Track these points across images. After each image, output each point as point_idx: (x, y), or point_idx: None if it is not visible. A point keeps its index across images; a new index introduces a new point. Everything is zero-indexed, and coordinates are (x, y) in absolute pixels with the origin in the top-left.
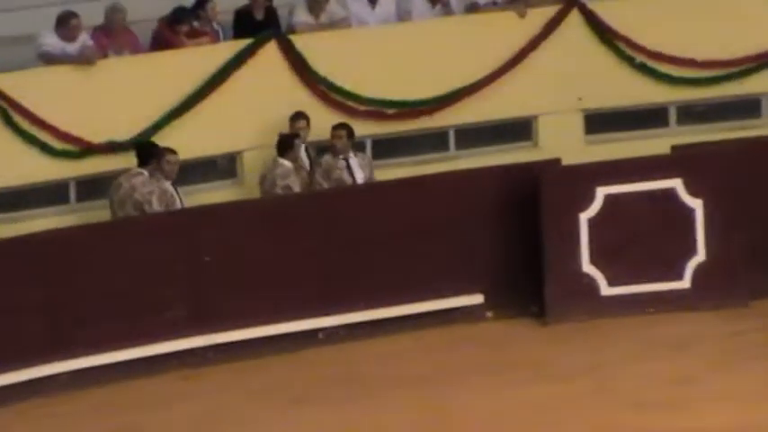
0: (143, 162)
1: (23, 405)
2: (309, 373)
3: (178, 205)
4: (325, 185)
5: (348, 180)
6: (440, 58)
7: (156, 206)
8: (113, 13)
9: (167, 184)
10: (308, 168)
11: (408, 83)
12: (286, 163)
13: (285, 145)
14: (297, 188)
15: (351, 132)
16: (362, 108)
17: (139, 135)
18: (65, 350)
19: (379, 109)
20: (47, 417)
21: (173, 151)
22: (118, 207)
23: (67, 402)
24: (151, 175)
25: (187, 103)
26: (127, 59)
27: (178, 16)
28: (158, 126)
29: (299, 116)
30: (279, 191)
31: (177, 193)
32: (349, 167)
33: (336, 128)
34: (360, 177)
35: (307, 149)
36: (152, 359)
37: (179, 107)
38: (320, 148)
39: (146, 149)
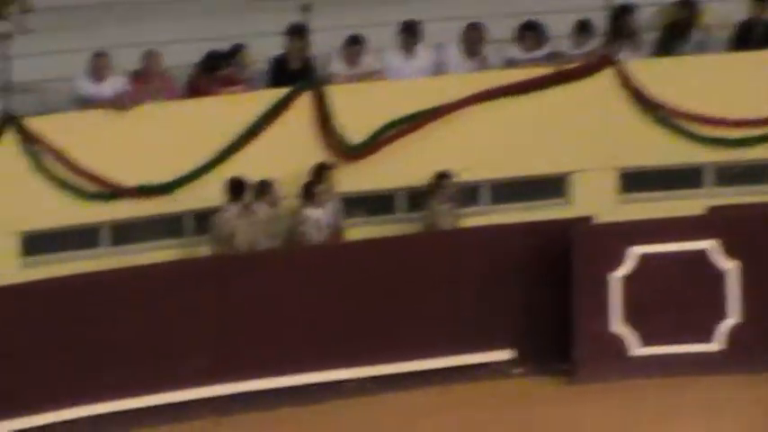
0: (232, 198)
1: None
2: (335, 424)
3: (275, 236)
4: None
5: (446, 226)
6: (472, 110)
7: (242, 240)
8: (149, 59)
9: (264, 216)
10: (335, 220)
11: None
12: (307, 210)
13: (308, 193)
14: (314, 234)
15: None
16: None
17: (170, 184)
18: (90, 394)
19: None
20: None
21: (270, 182)
22: (213, 243)
23: None
24: (243, 209)
25: (226, 153)
26: (162, 105)
27: (212, 62)
28: (196, 175)
29: (322, 167)
30: (297, 237)
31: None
32: (454, 212)
33: (444, 176)
34: (448, 224)
35: (333, 203)
36: (175, 406)
37: (218, 157)
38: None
39: (235, 186)
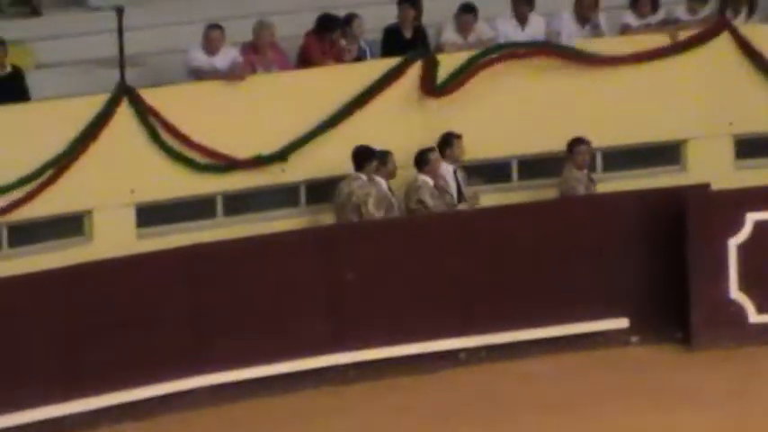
0: (359, 167)
1: (166, 417)
2: (450, 393)
3: (395, 207)
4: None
5: (581, 192)
6: (586, 76)
7: (372, 208)
8: (261, 30)
9: (384, 187)
10: (454, 190)
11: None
12: (422, 177)
13: (421, 161)
14: (431, 202)
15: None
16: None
17: (283, 150)
18: (207, 364)
19: None
20: (187, 430)
21: (389, 152)
22: (339, 211)
23: (209, 415)
24: (369, 178)
25: (336, 120)
26: (274, 76)
27: (325, 25)
28: (302, 142)
29: (449, 136)
30: (413, 205)
31: (392, 191)
32: (589, 180)
33: (579, 143)
34: (582, 191)
35: (455, 171)
36: (293, 375)
37: (329, 123)
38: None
39: (362, 154)
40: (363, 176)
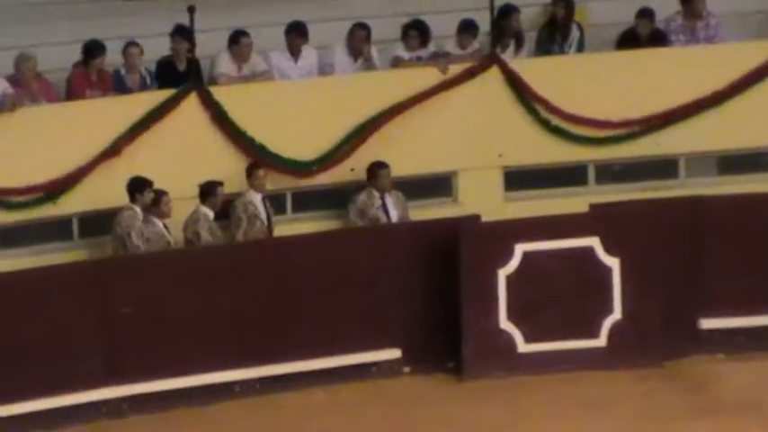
0: (132, 197)
1: None
2: (224, 427)
3: (168, 241)
4: (360, 224)
5: (383, 218)
6: (360, 111)
7: (136, 241)
8: (23, 62)
9: (159, 223)
10: (266, 219)
11: (326, 136)
12: (202, 209)
13: (206, 192)
14: (206, 235)
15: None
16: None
17: (57, 184)
18: None
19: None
20: None
21: (165, 192)
22: (112, 241)
23: None
24: (146, 212)
25: (108, 154)
26: (44, 108)
27: (91, 52)
28: (78, 176)
29: (251, 166)
30: (188, 236)
31: (168, 231)
32: (384, 206)
33: (379, 166)
34: (394, 216)
35: (264, 200)
36: (65, 410)
37: (100, 157)
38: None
39: (134, 185)
40: (136, 208)
